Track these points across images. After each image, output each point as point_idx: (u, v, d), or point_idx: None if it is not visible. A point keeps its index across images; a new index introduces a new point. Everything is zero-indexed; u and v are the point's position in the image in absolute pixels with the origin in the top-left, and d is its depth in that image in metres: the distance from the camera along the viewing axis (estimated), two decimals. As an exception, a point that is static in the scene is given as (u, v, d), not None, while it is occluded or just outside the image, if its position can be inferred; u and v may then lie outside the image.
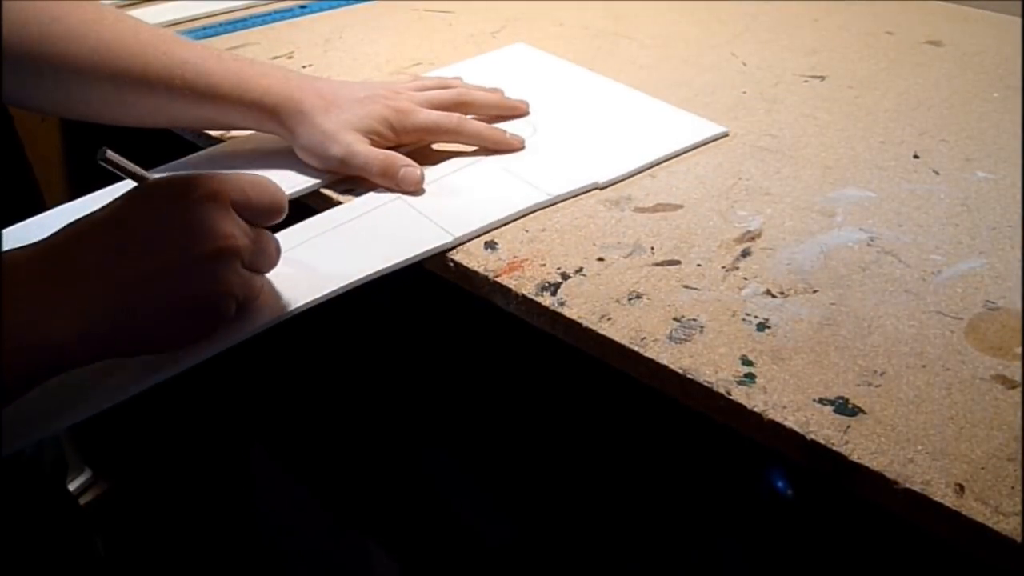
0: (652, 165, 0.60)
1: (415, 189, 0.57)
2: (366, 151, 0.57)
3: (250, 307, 0.45)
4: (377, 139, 0.58)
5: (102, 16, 0.56)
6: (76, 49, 0.54)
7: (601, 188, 0.57)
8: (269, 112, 0.57)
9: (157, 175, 0.43)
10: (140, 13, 0.89)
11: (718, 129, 0.63)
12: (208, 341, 0.43)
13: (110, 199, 0.41)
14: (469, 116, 0.63)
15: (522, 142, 0.62)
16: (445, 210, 0.55)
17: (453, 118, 0.61)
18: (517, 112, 0.66)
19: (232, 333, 0.44)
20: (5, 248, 0.38)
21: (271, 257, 0.45)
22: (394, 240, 0.52)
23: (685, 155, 0.62)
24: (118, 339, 0.39)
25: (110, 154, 0.42)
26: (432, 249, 0.52)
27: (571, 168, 0.59)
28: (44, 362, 0.37)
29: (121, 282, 0.39)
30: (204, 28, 0.87)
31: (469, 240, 0.53)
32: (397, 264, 0.50)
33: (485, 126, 0.62)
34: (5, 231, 0.54)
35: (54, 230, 0.40)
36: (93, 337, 0.38)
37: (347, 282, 0.48)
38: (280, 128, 0.58)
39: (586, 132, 0.64)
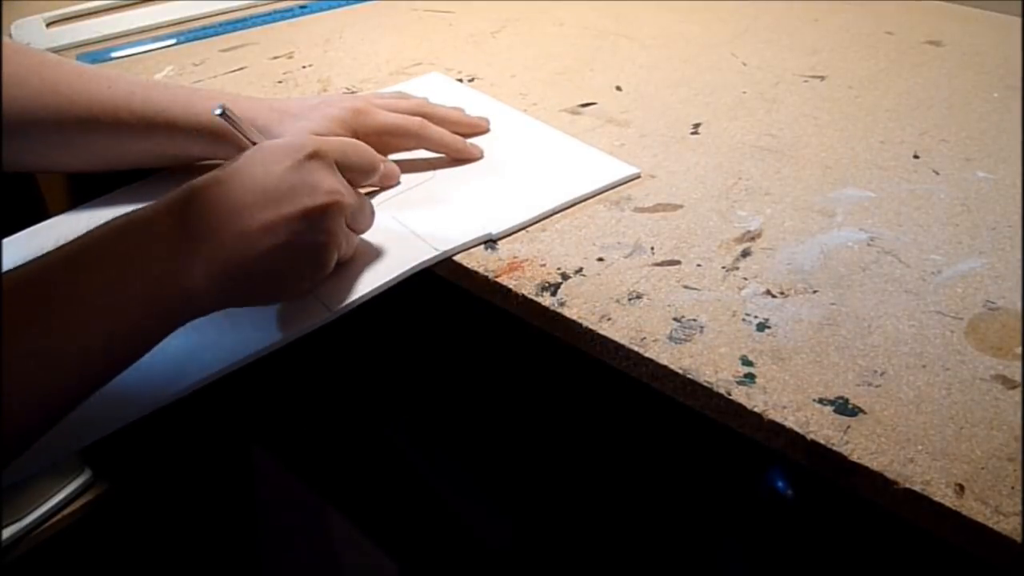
0: (554, 212, 0.55)
1: (394, 184, 0.57)
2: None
3: (340, 271, 0.48)
4: None
5: (43, 60, 0.56)
6: (19, 93, 0.53)
7: (495, 240, 0.53)
8: (223, 133, 0.55)
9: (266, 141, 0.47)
10: (140, 13, 0.90)
11: (630, 171, 0.58)
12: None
13: (112, 208, 0.43)
14: None
15: (481, 152, 0.61)
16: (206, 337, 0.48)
17: (416, 120, 0.59)
18: (478, 130, 0.64)
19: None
20: (5, 261, 0.39)
21: (367, 218, 0.49)
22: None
23: (685, 155, 0.62)
24: (237, 287, 0.42)
25: (228, 110, 0.47)
26: (306, 327, 0.48)
27: (464, 218, 0.54)
28: (179, 309, 0.41)
29: (241, 235, 0.42)
30: (204, 28, 0.87)
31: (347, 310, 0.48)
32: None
33: (448, 132, 0.60)
34: (6, 240, 0.54)
35: (57, 238, 0.40)
36: (221, 284, 0.41)
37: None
38: (236, 150, 0.56)
39: (487, 175, 0.59)
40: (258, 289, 0.44)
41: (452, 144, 0.60)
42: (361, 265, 0.51)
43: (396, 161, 0.60)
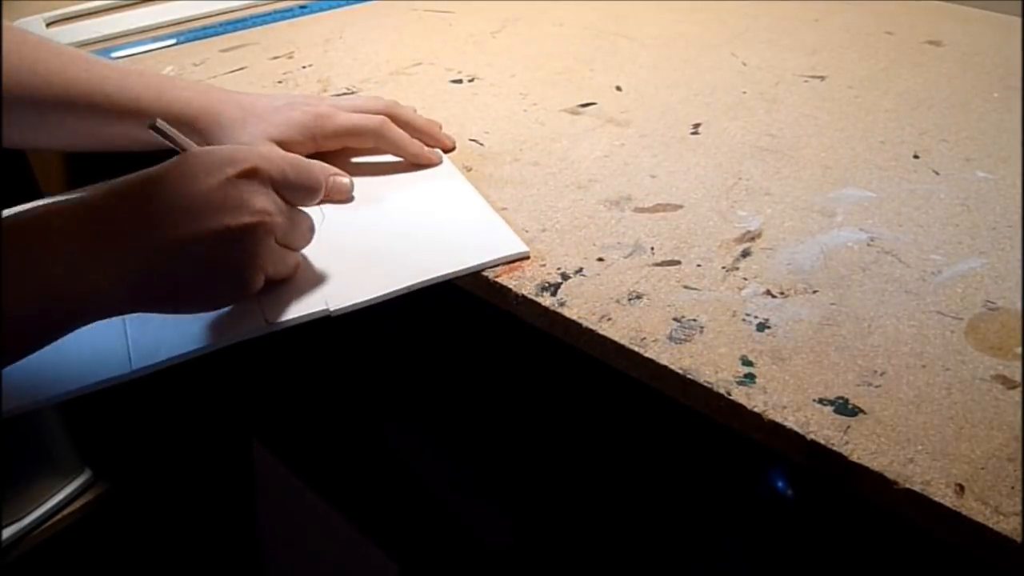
0: (408, 289, 0.50)
1: (345, 198, 0.56)
2: None
3: (285, 284, 0.48)
4: (297, 147, 0.56)
5: (24, 39, 0.56)
6: None
7: (332, 314, 0.48)
8: (190, 124, 0.56)
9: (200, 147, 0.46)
10: (141, 13, 0.90)
11: (518, 249, 0.52)
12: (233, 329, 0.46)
13: None
14: None
15: (441, 157, 0.61)
16: (145, 334, 0.47)
17: (376, 119, 0.58)
18: (442, 144, 0.62)
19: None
20: None
21: (304, 235, 0.48)
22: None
23: (685, 155, 0.62)
24: (149, 296, 0.41)
25: (160, 123, 0.45)
26: (241, 336, 0.47)
27: (304, 289, 0.49)
28: (79, 310, 0.40)
29: (157, 244, 0.41)
30: (204, 28, 0.87)
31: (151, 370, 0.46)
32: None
33: (407, 136, 0.59)
34: None
35: None
36: (126, 291, 0.40)
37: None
38: (200, 141, 0.56)
39: (354, 239, 0.54)
40: (172, 300, 0.43)
41: (409, 148, 0.59)
42: (304, 283, 0.49)
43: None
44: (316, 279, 0.50)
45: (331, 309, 0.48)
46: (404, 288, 0.49)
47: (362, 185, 0.58)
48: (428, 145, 0.61)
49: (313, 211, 0.50)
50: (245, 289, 0.44)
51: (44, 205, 0.40)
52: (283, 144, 0.56)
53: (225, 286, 0.44)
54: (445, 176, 0.60)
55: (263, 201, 0.43)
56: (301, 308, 0.48)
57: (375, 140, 0.59)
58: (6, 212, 0.40)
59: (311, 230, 0.48)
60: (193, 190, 0.41)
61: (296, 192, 0.46)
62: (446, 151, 0.63)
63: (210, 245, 0.41)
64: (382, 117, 0.59)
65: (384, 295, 0.49)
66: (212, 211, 0.41)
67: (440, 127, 0.64)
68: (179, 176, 0.42)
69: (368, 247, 0.53)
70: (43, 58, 0.55)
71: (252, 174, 0.43)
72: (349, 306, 0.48)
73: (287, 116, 0.57)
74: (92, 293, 0.39)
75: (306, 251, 0.51)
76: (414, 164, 0.60)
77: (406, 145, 0.59)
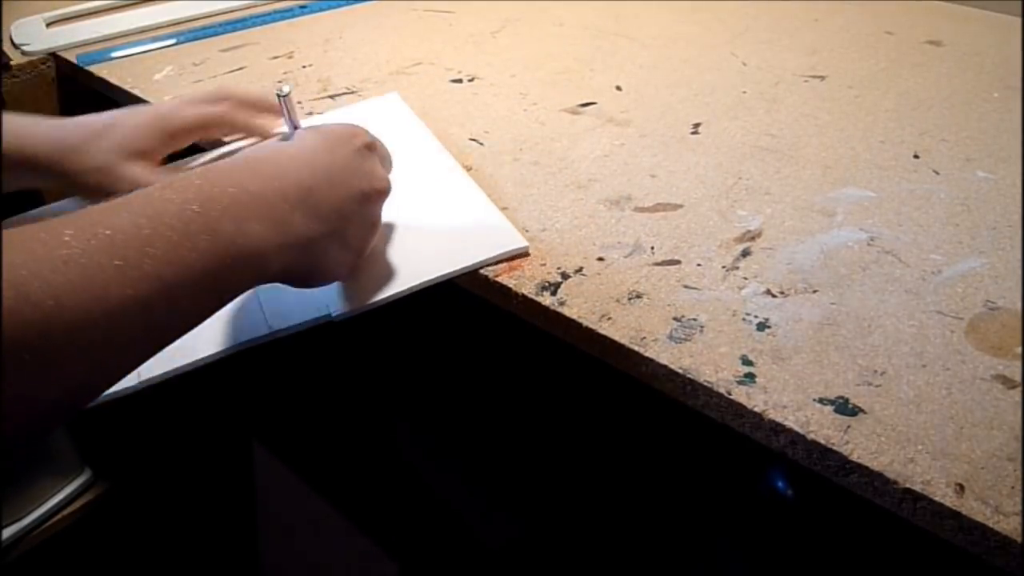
0: (410, 291, 0.49)
1: None
2: (153, 179, 0.52)
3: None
4: (153, 152, 0.56)
5: None
6: None
7: (334, 319, 0.49)
8: (42, 162, 0.54)
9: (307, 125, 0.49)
10: (141, 13, 0.90)
11: (518, 244, 0.52)
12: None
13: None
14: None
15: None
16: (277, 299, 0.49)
17: (219, 107, 0.58)
18: (272, 113, 0.61)
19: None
20: None
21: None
22: None
23: (685, 155, 0.62)
24: (299, 263, 0.42)
25: (286, 93, 0.49)
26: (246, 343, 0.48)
27: (306, 294, 0.49)
28: (245, 274, 0.40)
29: (318, 212, 0.42)
30: (204, 28, 0.87)
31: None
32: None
33: (253, 116, 0.60)
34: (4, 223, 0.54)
35: None
36: (285, 256, 0.41)
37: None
38: (59, 178, 0.55)
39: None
40: (313, 269, 0.44)
41: (260, 128, 0.60)
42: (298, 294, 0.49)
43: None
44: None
45: (333, 314, 0.48)
46: (406, 290, 0.49)
47: None
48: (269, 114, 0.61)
49: None
50: (364, 253, 0.47)
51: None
52: (140, 150, 0.55)
53: (356, 247, 0.46)
54: (444, 171, 0.60)
55: (381, 170, 0.48)
56: (304, 314, 0.49)
57: (228, 128, 0.60)
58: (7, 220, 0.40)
59: None
60: (333, 160, 0.44)
61: (387, 163, 0.50)
62: (275, 130, 0.61)
63: (353, 209, 0.45)
64: (225, 105, 0.59)
65: (386, 298, 0.49)
66: (351, 178, 0.45)
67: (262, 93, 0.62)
68: (326, 150, 0.45)
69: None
70: None
71: (372, 147, 0.47)
72: (351, 310, 0.48)
73: (136, 122, 0.56)
74: (256, 257, 0.39)
75: None
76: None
77: (255, 126, 0.60)
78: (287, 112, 0.50)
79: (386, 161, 0.50)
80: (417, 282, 0.50)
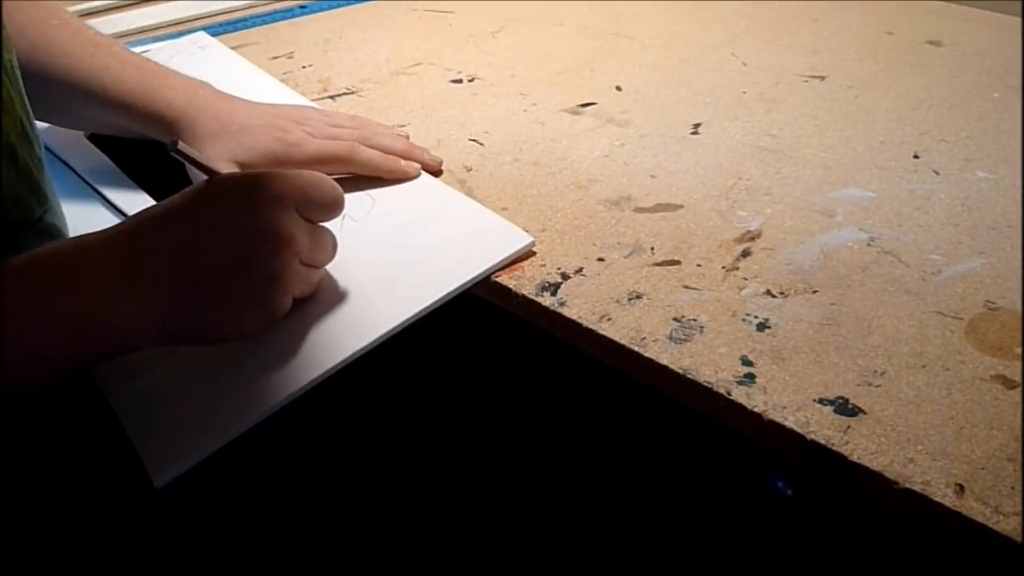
0: (426, 311, 0.49)
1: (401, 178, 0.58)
2: None
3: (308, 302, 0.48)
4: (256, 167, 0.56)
5: (51, 15, 0.57)
6: (17, 43, 0.53)
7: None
8: (168, 125, 0.56)
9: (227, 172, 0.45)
10: (141, 13, 0.90)
11: (524, 242, 0.51)
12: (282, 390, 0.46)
13: (105, 214, 0.42)
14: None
15: (418, 169, 0.59)
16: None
17: (345, 145, 0.57)
18: (423, 160, 0.60)
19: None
20: None
21: (328, 252, 0.47)
22: None
23: (685, 155, 0.62)
24: (180, 328, 0.41)
25: (182, 145, 0.43)
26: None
27: (323, 336, 0.47)
28: (110, 343, 0.40)
29: (187, 275, 0.40)
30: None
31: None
32: None
33: (380, 154, 0.58)
34: None
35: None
36: (157, 324, 0.40)
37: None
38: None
39: (359, 271, 0.51)
40: (200, 331, 0.42)
41: (383, 165, 0.58)
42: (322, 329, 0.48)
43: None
44: (329, 324, 0.48)
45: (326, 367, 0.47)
46: (422, 310, 0.48)
47: (351, 212, 0.56)
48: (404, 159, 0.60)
49: (361, 197, 0.52)
50: (274, 313, 0.44)
51: (77, 237, 0.40)
52: (245, 165, 0.56)
53: (257, 311, 0.43)
54: (429, 188, 0.59)
55: (288, 225, 0.43)
56: (330, 357, 0.47)
57: (347, 166, 0.58)
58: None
59: (334, 246, 0.47)
60: (223, 219, 0.41)
61: (317, 210, 0.45)
62: (433, 172, 0.60)
63: (243, 273, 0.41)
64: (351, 144, 0.58)
65: (400, 325, 0.48)
66: (244, 240, 0.41)
67: (426, 151, 0.61)
68: (208, 204, 0.42)
69: (372, 278, 0.51)
70: (58, 39, 0.56)
71: (278, 200, 0.42)
72: (364, 347, 0.48)
73: (257, 140, 0.56)
74: (121, 326, 0.39)
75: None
76: (393, 181, 0.59)
77: (379, 163, 0.58)
78: (191, 163, 0.45)
79: (313, 206, 0.44)
80: (431, 301, 0.49)
